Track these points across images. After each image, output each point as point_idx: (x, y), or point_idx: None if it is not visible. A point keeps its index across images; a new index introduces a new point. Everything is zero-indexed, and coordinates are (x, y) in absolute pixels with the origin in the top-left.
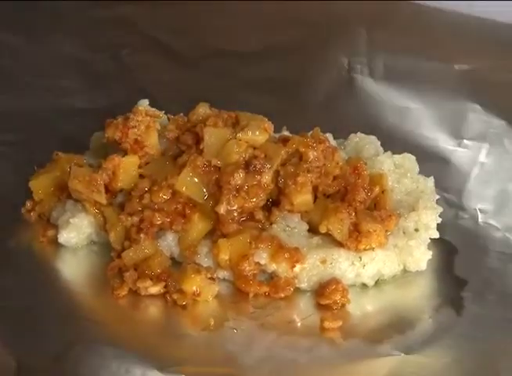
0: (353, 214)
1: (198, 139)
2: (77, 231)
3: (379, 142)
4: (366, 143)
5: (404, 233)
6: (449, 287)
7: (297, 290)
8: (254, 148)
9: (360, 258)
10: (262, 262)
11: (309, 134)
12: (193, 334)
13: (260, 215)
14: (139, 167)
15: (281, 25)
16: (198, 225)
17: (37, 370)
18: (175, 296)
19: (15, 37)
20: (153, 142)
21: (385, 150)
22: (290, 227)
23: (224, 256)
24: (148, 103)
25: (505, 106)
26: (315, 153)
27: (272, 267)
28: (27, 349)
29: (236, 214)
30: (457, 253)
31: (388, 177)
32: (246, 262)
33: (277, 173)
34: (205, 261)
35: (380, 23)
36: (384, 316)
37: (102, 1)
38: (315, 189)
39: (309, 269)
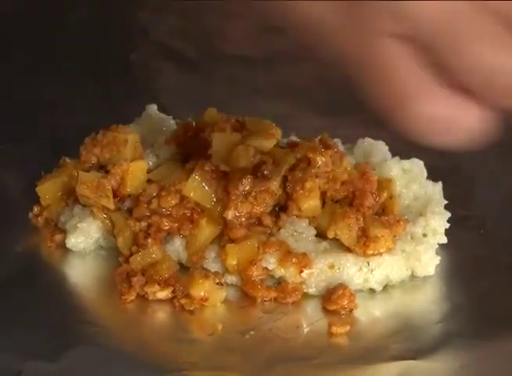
0: (361, 219)
1: (206, 145)
2: (84, 236)
3: (387, 148)
4: (374, 149)
5: (412, 238)
6: (457, 292)
7: (305, 295)
8: (262, 153)
9: (368, 263)
10: (270, 267)
11: (317, 139)
12: (201, 339)
13: (268, 221)
14: (148, 172)
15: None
16: (206, 231)
17: (40, 373)
18: (183, 301)
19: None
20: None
21: (393, 156)
22: (298, 232)
23: (232, 261)
24: (156, 108)
25: None
26: (323, 159)
27: (280, 272)
28: (31, 352)
29: (243, 219)
30: (465, 258)
31: (396, 182)
32: (254, 267)
33: (285, 178)
34: (213, 266)
35: None
36: (392, 321)
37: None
38: (323, 194)
39: (317, 274)
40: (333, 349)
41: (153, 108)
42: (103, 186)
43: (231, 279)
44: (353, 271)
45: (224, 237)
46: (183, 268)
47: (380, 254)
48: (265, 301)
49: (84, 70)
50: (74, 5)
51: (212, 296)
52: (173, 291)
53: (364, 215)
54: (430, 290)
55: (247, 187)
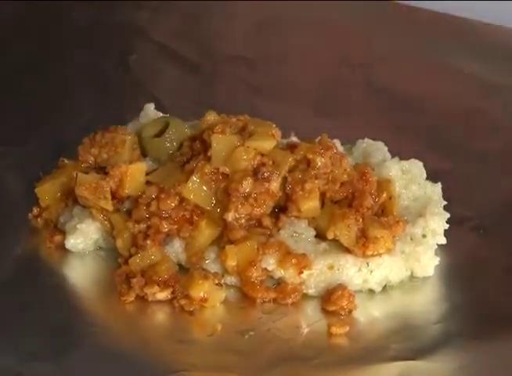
0: (360, 220)
1: (206, 146)
2: (84, 237)
3: (386, 148)
4: (373, 149)
5: (411, 239)
6: (457, 292)
7: (305, 295)
8: (262, 155)
9: (367, 264)
10: (270, 268)
11: (317, 140)
12: (200, 340)
13: (267, 222)
14: (147, 174)
15: (290, 30)
16: (205, 232)
17: (40, 374)
18: (183, 302)
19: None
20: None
21: (392, 156)
22: (298, 233)
23: (231, 262)
24: (154, 106)
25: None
26: (322, 160)
27: (280, 273)
28: (31, 353)
29: (243, 221)
30: (464, 259)
31: (396, 183)
32: (254, 268)
33: (285, 179)
34: (212, 267)
35: (388, 28)
36: (391, 322)
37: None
38: (322, 195)
39: (316, 275)
40: (333, 350)
41: (150, 107)
42: (102, 188)
43: (230, 280)
44: (352, 272)
45: (223, 239)
46: (182, 269)
47: (380, 254)
48: (265, 301)
49: (85, 70)
50: (74, 5)
51: (212, 297)
52: (172, 292)
53: (363, 215)
54: (430, 290)
55: (247, 189)
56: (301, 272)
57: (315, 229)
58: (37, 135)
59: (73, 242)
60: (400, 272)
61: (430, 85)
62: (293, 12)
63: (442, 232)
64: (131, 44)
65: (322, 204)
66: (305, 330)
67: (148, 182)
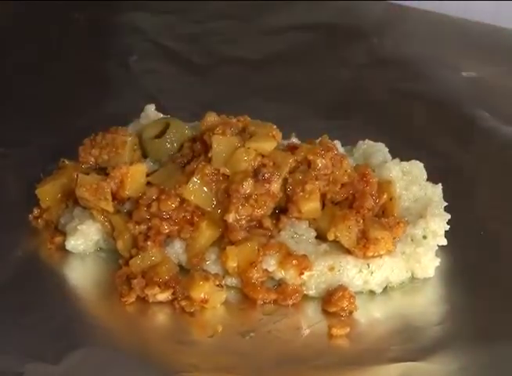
0: (361, 221)
1: (206, 148)
2: (84, 238)
3: (387, 149)
4: (374, 150)
5: (412, 240)
6: (457, 294)
7: (305, 297)
8: (263, 156)
9: (368, 265)
10: (270, 269)
11: (317, 141)
12: (201, 341)
13: (268, 223)
14: (147, 175)
15: (291, 31)
16: (206, 233)
17: (41, 375)
18: (183, 303)
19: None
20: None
21: (393, 157)
22: (298, 234)
23: (232, 263)
24: (154, 107)
25: None
26: (323, 161)
27: (280, 274)
28: (32, 354)
29: (244, 222)
30: (465, 260)
31: (396, 184)
32: (255, 269)
33: (285, 181)
34: (213, 268)
35: (389, 29)
36: (392, 323)
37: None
38: (323, 196)
39: (317, 276)
40: (333, 351)
41: (151, 108)
42: (102, 189)
43: (231, 281)
44: (353, 273)
45: (224, 240)
46: (183, 270)
47: (380, 256)
48: (265, 303)
49: (85, 71)
50: (74, 5)
51: (212, 298)
52: (173, 293)
53: (364, 216)
54: (430, 292)
55: (248, 190)
56: (302, 274)
57: (316, 230)
58: (37, 135)
59: (74, 243)
60: (401, 274)
61: (430, 86)
62: (292, 13)
63: (443, 233)
64: (131, 44)
65: (323, 205)
66: (306, 332)
67: (148, 184)
